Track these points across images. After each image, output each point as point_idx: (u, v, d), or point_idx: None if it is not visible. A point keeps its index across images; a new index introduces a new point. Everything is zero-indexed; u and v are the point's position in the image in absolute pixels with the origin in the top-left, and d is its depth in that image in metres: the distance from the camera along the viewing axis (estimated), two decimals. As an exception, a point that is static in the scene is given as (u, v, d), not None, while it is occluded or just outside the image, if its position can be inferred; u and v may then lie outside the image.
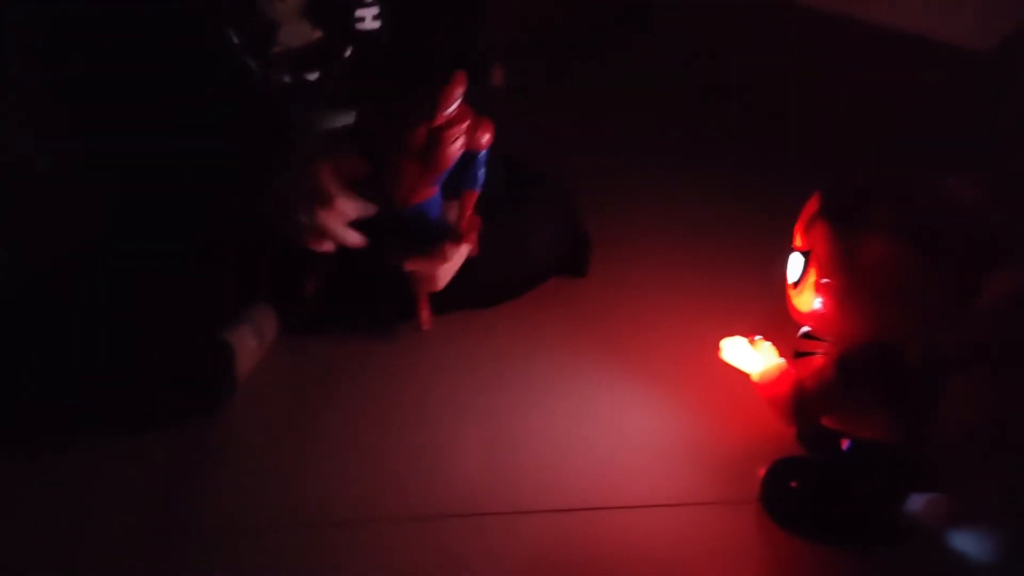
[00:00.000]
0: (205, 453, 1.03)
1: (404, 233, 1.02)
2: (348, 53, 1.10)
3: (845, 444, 0.91)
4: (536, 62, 1.66)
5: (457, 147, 0.92)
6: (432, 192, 0.97)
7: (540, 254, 1.22)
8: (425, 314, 1.14)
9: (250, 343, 1.11)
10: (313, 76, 1.09)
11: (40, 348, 1.00)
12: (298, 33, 1.07)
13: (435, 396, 1.10)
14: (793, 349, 0.94)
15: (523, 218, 1.18)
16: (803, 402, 0.89)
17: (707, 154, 1.53)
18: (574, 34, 1.79)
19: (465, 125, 0.92)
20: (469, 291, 1.16)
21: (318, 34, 1.08)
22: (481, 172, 0.98)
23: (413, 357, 1.14)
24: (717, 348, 0.99)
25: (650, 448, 1.03)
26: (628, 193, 1.44)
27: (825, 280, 0.85)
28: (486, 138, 0.95)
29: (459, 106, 0.91)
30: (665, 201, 1.42)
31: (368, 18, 1.09)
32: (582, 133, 1.60)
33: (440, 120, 0.91)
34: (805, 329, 0.94)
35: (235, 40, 1.03)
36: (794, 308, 0.90)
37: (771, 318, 0.97)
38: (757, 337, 0.96)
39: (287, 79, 1.07)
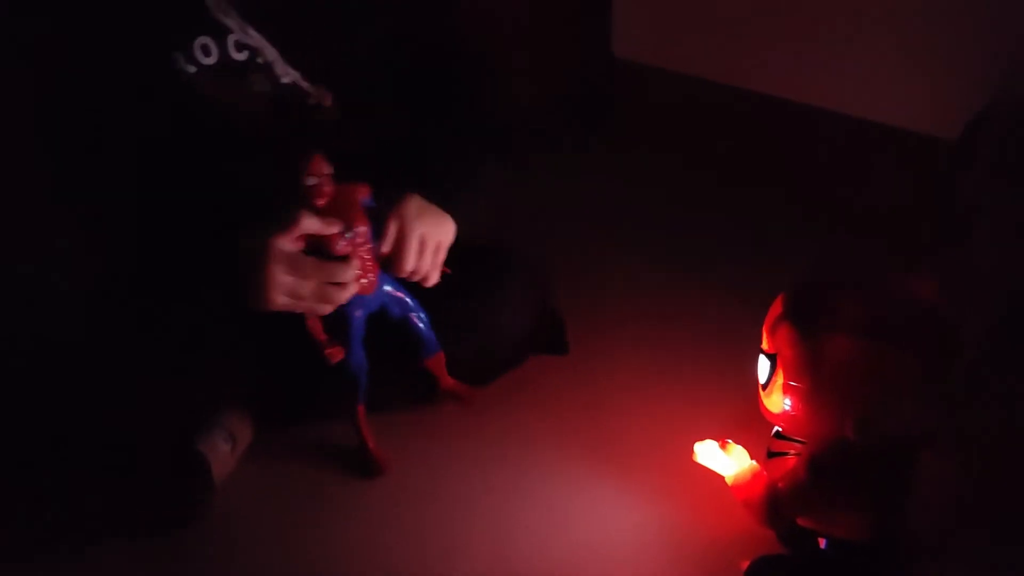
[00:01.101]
0: (186, 563, 1.02)
1: None
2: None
3: (823, 542, 0.91)
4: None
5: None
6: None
7: (511, 332, 1.22)
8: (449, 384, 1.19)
9: (223, 448, 1.11)
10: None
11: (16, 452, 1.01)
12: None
13: (413, 491, 1.11)
14: (767, 449, 0.94)
15: (492, 296, 1.19)
16: (777, 504, 0.89)
17: (685, 243, 1.57)
18: (542, 119, 1.82)
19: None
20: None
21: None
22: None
23: (390, 447, 1.15)
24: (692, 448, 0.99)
25: (631, 546, 1.03)
26: (606, 287, 1.46)
27: (793, 382, 0.86)
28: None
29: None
30: (643, 294, 1.44)
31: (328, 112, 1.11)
32: (556, 217, 1.63)
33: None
34: (777, 428, 0.94)
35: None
36: (765, 408, 0.91)
37: (747, 415, 0.98)
38: (728, 441, 0.96)
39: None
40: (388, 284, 1.07)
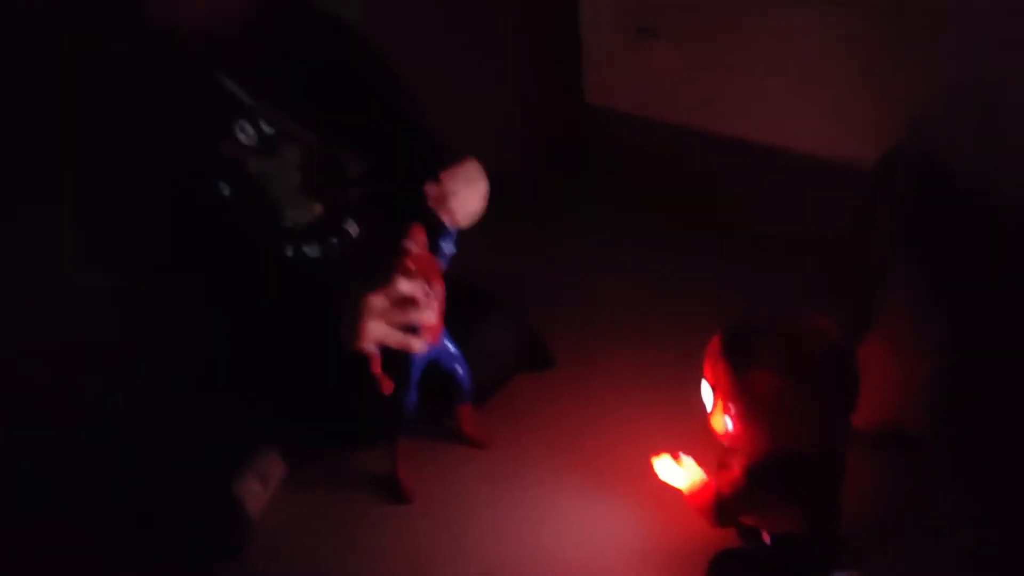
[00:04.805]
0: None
1: None
2: (355, 231, 1.32)
3: (767, 537, 1.09)
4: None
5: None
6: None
7: (496, 355, 1.40)
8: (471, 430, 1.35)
9: (254, 488, 1.28)
10: (314, 250, 1.29)
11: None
12: (303, 210, 1.29)
13: (431, 507, 1.29)
14: (717, 461, 1.12)
15: (475, 324, 1.36)
16: (722, 507, 1.08)
17: (650, 275, 1.76)
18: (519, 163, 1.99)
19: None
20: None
21: (320, 209, 1.29)
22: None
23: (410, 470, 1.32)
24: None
25: (610, 548, 1.20)
26: (587, 313, 1.66)
27: (730, 406, 1.04)
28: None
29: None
30: (619, 320, 1.64)
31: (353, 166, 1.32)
32: (539, 251, 1.84)
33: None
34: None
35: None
36: (712, 428, 1.09)
37: (704, 432, 1.15)
38: (680, 454, 1.14)
39: (294, 252, 1.28)
40: (447, 338, 1.24)
